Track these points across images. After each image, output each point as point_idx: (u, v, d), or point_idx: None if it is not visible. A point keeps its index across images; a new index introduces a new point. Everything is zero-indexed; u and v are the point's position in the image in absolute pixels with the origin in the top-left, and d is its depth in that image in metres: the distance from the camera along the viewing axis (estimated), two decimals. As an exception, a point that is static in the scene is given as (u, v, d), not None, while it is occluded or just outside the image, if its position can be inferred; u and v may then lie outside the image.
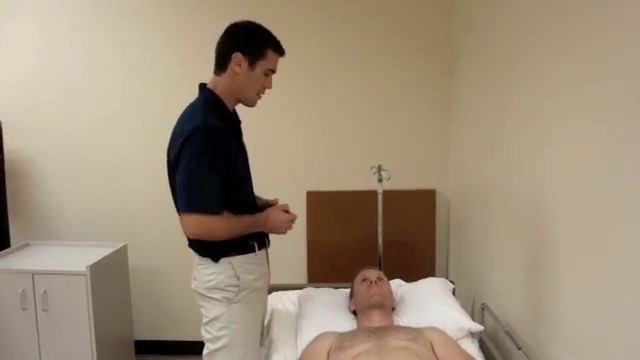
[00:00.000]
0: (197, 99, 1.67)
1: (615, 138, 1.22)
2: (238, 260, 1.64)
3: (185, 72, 2.74)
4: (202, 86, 1.68)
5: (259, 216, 1.70)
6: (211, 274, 1.63)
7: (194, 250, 1.67)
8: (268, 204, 1.82)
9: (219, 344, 1.64)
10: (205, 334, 1.67)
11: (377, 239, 2.52)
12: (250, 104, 1.71)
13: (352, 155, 2.85)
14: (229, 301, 1.63)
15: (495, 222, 2.12)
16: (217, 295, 1.62)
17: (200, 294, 1.66)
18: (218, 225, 1.57)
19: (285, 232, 1.73)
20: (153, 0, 2.79)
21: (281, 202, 1.80)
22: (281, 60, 1.71)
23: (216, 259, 1.62)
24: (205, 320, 1.66)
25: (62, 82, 2.86)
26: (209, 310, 1.65)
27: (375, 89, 2.81)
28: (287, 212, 1.74)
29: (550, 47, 1.56)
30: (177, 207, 1.61)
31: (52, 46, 2.84)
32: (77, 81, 2.85)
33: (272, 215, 1.70)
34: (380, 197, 2.47)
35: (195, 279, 1.68)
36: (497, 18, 2.06)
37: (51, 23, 2.82)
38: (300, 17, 2.76)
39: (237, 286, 1.63)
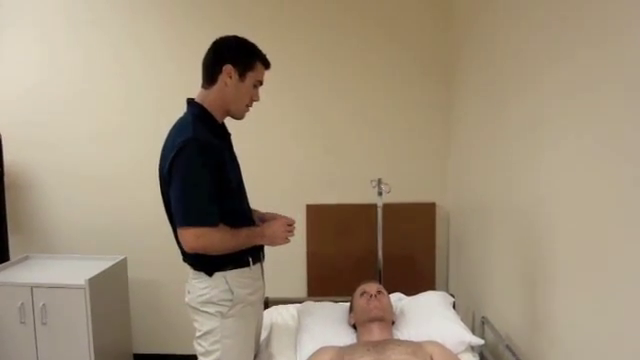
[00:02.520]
0: (186, 113, 1.68)
1: (614, 152, 1.23)
2: (232, 274, 1.64)
3: (186, 86, 2.75)
4: (190, 100, 1.70)
5: (257, 228, 1.72)
6: (205, 288, 1.63)
7: (188, 264, 1.68)
8: (264, 219, 1.83)
9: (211, 358, 1.64)
10: (198, 347, 1.67)
11: (377, 252, 2.52)
12: (239, 116, 1.72)
13: (352, 168, 2.86)
14: (222, 315, 1.63)
15: (495, 235, 2.13)
16: (210, 309, 1.62)
17: (193, 308, 1.66)
18: (215, 238, 1.57)
19: (287, 238, 1.72)
20: (156, 14, 2.82)
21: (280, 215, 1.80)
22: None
23: (210, 273, 1.63)
24: (198, 334, 1.66)
25: (62, 96, 2.88)
26: (202, 324, 1.65)
27: (375, 103, 2.82)
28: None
29: (547, 62, 1.58)
30: (170, 221, 1.63)
31: (52, 61, 2.87)
32: (77, 95, 2.87)
33: (270, 224, 1.72)
34: (380, 210, 2.48)
35: (189, 293, 1.68)
36: (495, 32, 2.08)
37: (52, 38, 2.85)
38: (301, 31, 2.79)
39: (231, 300, 1.63)
